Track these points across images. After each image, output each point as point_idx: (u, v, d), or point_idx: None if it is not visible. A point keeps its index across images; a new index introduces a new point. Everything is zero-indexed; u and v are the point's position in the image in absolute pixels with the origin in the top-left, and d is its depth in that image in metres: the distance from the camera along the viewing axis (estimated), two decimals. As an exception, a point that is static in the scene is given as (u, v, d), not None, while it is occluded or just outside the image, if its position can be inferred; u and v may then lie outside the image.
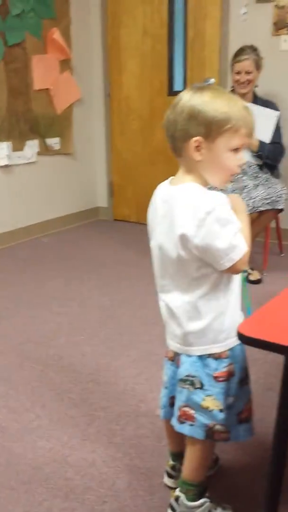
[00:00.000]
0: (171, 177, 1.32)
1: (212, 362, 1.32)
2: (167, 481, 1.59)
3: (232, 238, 1.20)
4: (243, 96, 3.38)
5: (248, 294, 1.40)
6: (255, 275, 3.29)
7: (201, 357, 1.32)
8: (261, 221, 3.29)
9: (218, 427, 1.33)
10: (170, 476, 1.58)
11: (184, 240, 1.21)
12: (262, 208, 3.21)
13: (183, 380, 1.34)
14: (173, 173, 1.33)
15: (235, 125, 1.20)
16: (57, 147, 4.46)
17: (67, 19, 4.32)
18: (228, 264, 1.21)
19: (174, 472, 1.56)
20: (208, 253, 1.21)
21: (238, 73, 3.34)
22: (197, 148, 1.22)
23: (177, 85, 4.33)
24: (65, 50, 4.30)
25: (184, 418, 1.35)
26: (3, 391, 2.15)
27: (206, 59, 4.12)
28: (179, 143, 1.24)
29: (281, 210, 3.32)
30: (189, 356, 1.33)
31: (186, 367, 1.33)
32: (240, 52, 3.35)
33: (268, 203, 3.21)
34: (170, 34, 4.26)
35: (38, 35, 4.09)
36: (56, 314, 2.88)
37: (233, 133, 1.21)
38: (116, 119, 4.73)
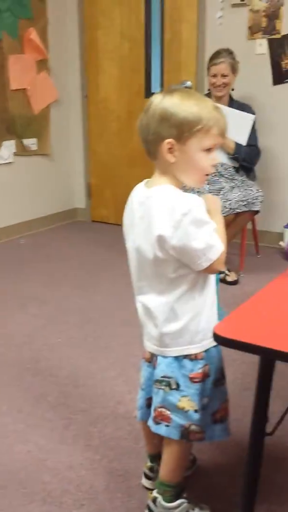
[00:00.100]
0: (147, 179, 1.33)
1: (188, 363, 1.33)
2: (145, 482, 1.59)
3: (209, 239, 1.21)
4: (219, 99, 3.41)
5: (218, 296, 1.41)
6: (232, 276, 3.32)
7: (177, 358, 1.33)
8: (237, 223, 3.33)
9: (193, 427, 1.34)
10: (148, 477, 1.58)
11: (161, 241, 1.22)
12: (238, 210, 3.24)
13: (159, 381, 1.35)
14: (151, 174, 1.33)
15: (206, 125, 1.21)
16: (34, 147, 4.43)
17: (44, 20, 4.29)
18: (205, 264, 1.23)
19: (152, 474, 1.57)
20: (185, 254, 1.22)
21: (214, 76, 3.36)
22: (170, 150, 1.23)
23: (154, 87, 4.34)
24: (42, 51, 4.28)
25: (160, 418, 1.36)
26: (-21, 395, 2.13)
27: (183, 62, 4.14)
28: (152, 146, 1.25)
29: (257, 212, 3.36)
30: (165, 357, 1.34)
31: (162, 368, 1.34)
32: (216, 55, 3.38)
33: (244, 205, 3.25)
34: (147, 37, 4.27)
35: (14, 35, 4.06)
36: (32, 316, 2.86)
37: (204, 134, 1.22)
38: (94, 120, 4.72)
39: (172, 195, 1.24)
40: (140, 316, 1.39)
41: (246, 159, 3.44)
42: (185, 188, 1.30)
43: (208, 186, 3.31)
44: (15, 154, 4.27)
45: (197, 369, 1.33)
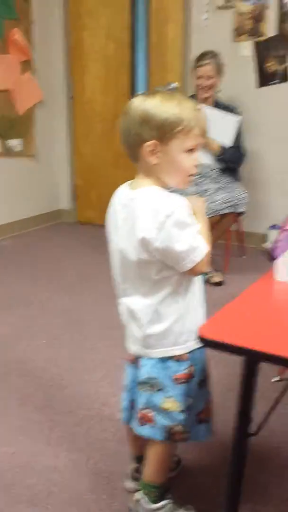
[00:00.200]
0: (130, 181, 1.33)
1: (172, 364, 1.33)
2: (130, 484, 1.59)
3: (192, 240, 1.22)
4: (205, 100, 3.43)
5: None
6: (217, 277, 3.33)
7: (161, 359, 1.33)
8: (222, 224, 3.34)
9: (178, 428, 1.35)
10: (133, 479, 1.59)
11: (144, 243, 1.22)
12: (223, 211, 3.26)
13: (143, 383, 1.35)
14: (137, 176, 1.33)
15: (187, 126, 1.21)
16: (19, 148, 4.40)
17: (28, 20, 4.28)
18: (189, 266, 1.23)
19: (137, 475, 1.57)
20: (169, 256, 1.23)
21: (200, 77, 3.38)
22: (152, 152, 1.23)
23: (140, 88, 4.35)
24: (27, 51, 4.26)
25: (144, 420, 1.36)
26: None
27: (169, 63, 4.15)
28: (134, 149, 1.25)
29: (242, 213, 3.38)
30: (150, 358, 1.34)
31: (147, 370, 1.34)
32: (202, 57, 3.40)
33: (229, 206, 3.27)
34: (133, 38, 4.27)
35: (-1, 35, 4.04)
36: (17, 318, 2.85)
37: (186, 134, 1.22)
38: (79, 121, 4.71)
39: (155, 196, 1.24)
40: (124, 318, 1.39)
41: (231, 160, 3.46)
42: (170, 189, 1.31)
43: (193, 187, 3.32)
44: (0, 155, 4.25)
45: (182, 370, 1.33)
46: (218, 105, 3.48)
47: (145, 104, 1.22)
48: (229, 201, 3.26)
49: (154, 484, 1.43)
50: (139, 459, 1.55)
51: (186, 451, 1.74)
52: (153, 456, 1.41)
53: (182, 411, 1.34)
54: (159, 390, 1.33)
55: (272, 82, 3.82)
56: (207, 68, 3.36)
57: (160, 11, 4.08)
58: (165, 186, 1.28)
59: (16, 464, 1.73)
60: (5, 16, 4.05)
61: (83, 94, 4.62)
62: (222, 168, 3.48)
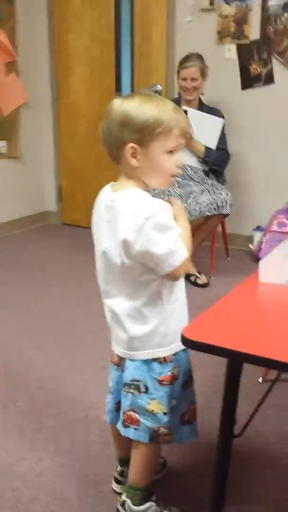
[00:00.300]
0: (112, 183, 1.33)
1: (156, 366, 1.33)
2: (115, 487, 1.59)
3: (172, 244, 1.21)
4: (189, 102, 3.44)
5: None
6: (202, 279, 3.34)
7: (146, 361, 1.33)
8: (207, 226, 3.36)
9: (162, 430, 1.35)
10: (118, 482, 1.58)
11: (126, 246, 1.22)
12: (208, 213, 3.27)
13: (127, 385, 1.35)
14: (122, 177, 1.33)
15: (167, 127, 1.21)
16: (3, 150, 4.38)
17: (12, 21, 4.25)
18: (168, 270, 1.23)
19: (122, 478, 1.57)
20: (149, 259, 1.22)
21: (184, 79, 3.39)
22: (133, 154, 1.23)
23: (125, 90, 4.35)
24: (11, 53, 4.24)
25: (129, 422, 1.36)
26: None
27: (153, 65, 4.16)
28: (115, 151, 1.25)
29: (226, 215, 3.39)
30: (134, 360, 1.34)
31: (131, 372, 1.34)
32: (186, 59, 3.41)
33: (214, 208, 3.28)
34: (117, 40, 4.28)
35: (-18, 36, 4.01)
36: (1, 321, 2.83)
37: (166, 135, 1.22)
38: (65, 123, 4.70)
39: (136, 199, 1.24)
40: (108, 320, 1.39)
41: (216, 162, 3.48)
42: (155, 191, 1.31)
43: (178, 189, 3.33)
44: (-16, 156, 4.23)
45: (166, 372, 1.33)
46: (202, 107, 3.50)
47: (124, 106, 1.22)
48: (214, 203, 3.28)
49: (138, 486, 1.43)
50: (125, 461, 1.55)
51: (171, 452, 1.74)
52: (137, 458, 1.41)
53: (166, 413, 1.34)
54: (143, 392, 1.33)
55: (256, 85, 3.84)
56: (192, 70, 3.37)
57: (144, 13, 4.09)
58: (147, 188, 1.28)
59: (1, 469, 1.72)
60: (-11, 17, 4.03)
61: (68, 96, 4.61)
62: (207, 170, 3.50)
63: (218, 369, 2.23)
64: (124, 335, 1.33)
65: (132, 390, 1.34)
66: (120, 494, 1.53)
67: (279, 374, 2.13)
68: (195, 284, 3.30)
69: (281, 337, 1.13)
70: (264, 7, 3.67)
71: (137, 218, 1.19)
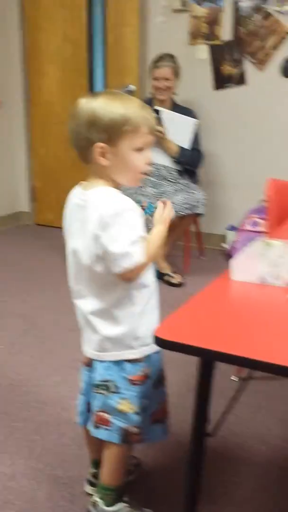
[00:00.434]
0: (83, 182, 1.32)
1: (128, 366, 1.32)
2: (89, 489, 1.57)
3: (129, 246, 1.19)
4: (162, 102, 3.45)
5: None
6: (176, 279, 3.35)
7: (116, 361, 1.32)
8: (181, 225, 3.36)
9: (133, 429, 1.34)
10: (91, 484, 1.57)
11: (94, 243, 1.21)
12: (182, 213, 3.28)
13: (97, 385, 1.34)
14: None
15: (134, 124, 1.21)
16: (-26, 151, 4.32)
17: (-17, 20, 4.20)
18: (117, 270, 1.21)
19: (95, 480, 1.55)
20: (106, 256, 1.21)
21: (157, 79, 3.40)
22: (102, 153, 1.22)
23: (98, 90, 4.33)
24: (-18, 52, 4.18)
25: (100, 423, 1.35)
26: None
27: (126, 66, 4.15)
28: (84, 151, 1.24)
29: (200, 215, 3.41)
30: (103, 361, 1.33)
31: (100, 372, 1.33)
32: (159, 59, 3.42)
33: (187, 208, 3.29)
34: (90, 40, 4.25)
35: None
36: (-26, 324, 2.78)
37: (134, 133, 1.21)
38: (37, 123, 4.65)
39: (107, 196, 1.23)
40: (79, 321, 1.37)
41: (189, 162, 3.49)
42: (125, 189, 1.29)
43: (152, 189, 3.33)
44: None
45: (137, 371, 1.32)
46: (175, 107, 3.50)
47: (90, 106, 1.21)
48: (188, 203, 3.28)
49: (109, 487, 1.42)
50: (98, 464, 1.53)
51: (144, 453, 1.73)
52: (109, 458, 1.40)
53: (137, 412, 1.33)
54: (114, 392, 1.32)
55: (228, 85, 3.87)
56: (165, 70, 3.38)
57: (116, 13, 4.07)
58: (117, 186, 1.27)
59: (-29, 474, 1.68)
60: None
61: (40, 96, 4.57)
62: (180, 170, 3.50)
63: (194, 368, 2.25)
64: (95, 336, 1.32)
65: (102, 391, 1.32)
66: (93, 495, 1.51)
67: (251, 372, 2.15)
68: (169, 283, 3.31)
69: (252, 335, 1.13)
70: (236, 8, 3.70)
71: (105, 215, 1.18)
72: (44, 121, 4.60)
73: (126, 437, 1.34)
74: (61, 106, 4.49)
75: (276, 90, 3.71)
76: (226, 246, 3.94)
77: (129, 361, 1.32)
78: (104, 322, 1.29)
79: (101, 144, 1.21)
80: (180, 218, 3.31)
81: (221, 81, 3.88)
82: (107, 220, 1.18)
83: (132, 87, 3.93)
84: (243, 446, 1.83)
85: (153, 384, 1.36)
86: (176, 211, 3.26)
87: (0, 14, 4.37)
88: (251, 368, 1.84)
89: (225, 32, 3.78)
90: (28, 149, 4.74)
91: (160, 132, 3.29)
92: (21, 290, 3.24)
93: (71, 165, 4.48)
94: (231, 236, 3.90)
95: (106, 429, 1.34)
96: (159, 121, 3.30)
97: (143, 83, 4.04)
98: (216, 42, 3.82)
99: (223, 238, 4.01)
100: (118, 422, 1.33)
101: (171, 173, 3.46)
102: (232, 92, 3.87)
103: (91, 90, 4.34)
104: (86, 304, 1.31)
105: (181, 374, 2.18)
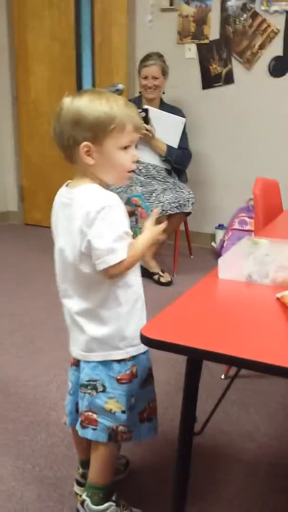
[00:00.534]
0: (69, 181, 1.31)
1: (115, 365, 1.32)
2: (77, 489, 1.56)
3: (114, 242, 1.19)
4: (150, 101, 3.45)
5: None
6: (165, 277, 3.35)
7: (103, 361, 1.31)
8: (169, 224, 3.33)
9: (121, 428, 1.33)
10: (80, 484, 1.56)
11: (79, 241, 1.21)
12: (170, 212, 3.28)
13: (84, 385, 1.33)
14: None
15: (119, 123, 1.20)
16: None
17: None
18: (102, 266, 1.20)
19: (84, 480, 1.54)
20: (91, 252, 1.20)
21: (145, 78, 3.40)
22: (88, 153, 1.21)
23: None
24: None
25: (87, 422, 1.34)
26: None
27: (114, 64, 4.14)
28: (69, 151, 1.24)
29: (189, 214, 3.41)
30: (89, 362, 1.32)
31: (87, 372, 1.32)
32: (147, 58, 3.42)
33: (176, 207, 3.29)
34: (78, 39, 4.24)
35: None
36: None
37: (119, 132, 1.21)
38: (25, 122, 4.63)
39: (91, 193, 1.23)
40: (66, 320, 1.37)
41: (178, 161, 3.49)
42: (114, 188, 1.29)
43: (140, 188, 3.33)
44: None
45: (125, 370, 1.32)
46: (163, 106, 3.51)
47: (75, 105, 1.20)
48: (176, 202, 3.29)
49: (98, 485, 1.41)
50: (86, 463, 1.53)
51: (132, 452, 1.73)
52: (96, 457, 1.40)
53: (124, 411, 1.33)
54: (101, 391, 1.31)
55: (216, 84, 3.88)
56: (153, 69, 3.38)
57: (104, 12, 4.07)
58: (103, 185, 1.27)
59: None
60: None
61: (27, 94, 4.55)
62: (169, 169, 3.50)
63: (182, 367, 2.25)
64: (82, 336, 1.31)
65: (89, 391, 1.32)
66: (81, 495, 1.51)
67: (238, 370, 2.15)
68: (158, 282, 3.31)
69: (240, 333, 1.13)
70: (223, 8, 3.70)
71: (91, 211, 1.18)
72: (32, 120, 4.59)
73: (114, 436, 1.34)
74: (49, 105, 4.47)
75: (264, 89, 3.72)
76: (214, 245, 3.95)
77: (117, 360, 1.31)
78: (90, 322, 1.29)
79: (87, 143, 1.20)
80: (169, 217, 3.32)
81: (209, 80, 3.89)
82: (92, 216, 1.17)
83: (120, 86, 3.92)
84: (231, 443, 1.84)
85: (140, 383, 1.36)
86: (164, 210, 3.26)
87: (-13, 12, 4.35)
88: (238, 367, 1.84)
89: (213, 31, 3.79)
90: (16, 148, 4.71)
91: (149, 131, 3.29)
92: (8, 290, 3.22)
93: (59, 164, 4.45)
94: (219, 235, 3.91)
95: (94, 429, 1.33)
96: (147, 120, 3.30)
97: (132, 82, 4.04)
98: (204, 41, 3.82)
99: (212, 237, 4.02)
100: (105, 421, 1.32)
101: (159, 172, 3.46)
102: (220, 91, 3.88)
103: (79, 89, 4.33)
104: (73, 304, 1.31)
105: (170, 372, 2.18)
